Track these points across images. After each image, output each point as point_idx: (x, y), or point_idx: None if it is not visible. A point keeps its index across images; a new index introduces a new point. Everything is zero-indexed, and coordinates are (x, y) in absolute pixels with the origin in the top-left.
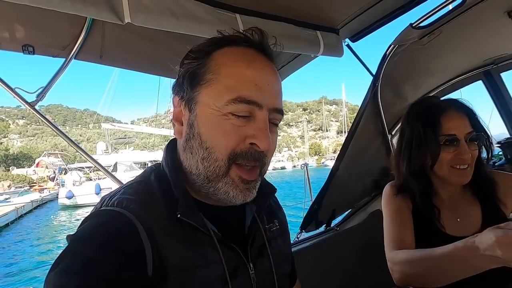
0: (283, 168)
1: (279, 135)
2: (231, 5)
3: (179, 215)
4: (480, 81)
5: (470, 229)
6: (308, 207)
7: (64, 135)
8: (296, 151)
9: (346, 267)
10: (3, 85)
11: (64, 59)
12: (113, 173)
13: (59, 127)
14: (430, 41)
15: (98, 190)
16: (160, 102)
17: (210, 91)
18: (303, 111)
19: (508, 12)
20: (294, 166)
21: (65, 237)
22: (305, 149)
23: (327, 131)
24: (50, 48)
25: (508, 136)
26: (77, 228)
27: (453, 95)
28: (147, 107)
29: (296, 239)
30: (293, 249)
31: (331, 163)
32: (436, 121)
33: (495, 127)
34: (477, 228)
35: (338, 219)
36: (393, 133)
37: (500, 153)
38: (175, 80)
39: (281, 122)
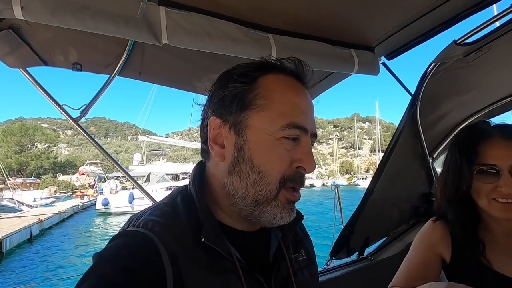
0: (312, 186)
1: None
2: (264, 25)
3: (203, 239)
4: None
5: None
6: (339, 232)
7: (101, 149)
8: (326, 169)
9: None
10: (52, 102)
11: (108, 76)
12: (146, 183)
13: (97, 141)
14: (477, 58)
15: (132, 198)
16: (194, 116)
17: (263, 116)
18: (334, 128)
19: None
20: (323, 184)
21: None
22: (335, 166)
23: (359, 149)
24: (96, 66)
25: None
26: (104, 246)
27: (503, 117)
28: (180, 120)
29: (325, 266)
30: (322, 278)
31: (362, 182)
32: (474, 147)
33: None
34: None
35: (372, 247)
36: (434, 156)
37: None
38: (208, 99)
39: None
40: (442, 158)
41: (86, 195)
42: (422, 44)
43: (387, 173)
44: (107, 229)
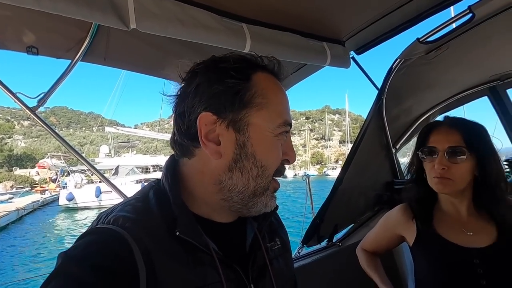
0: (284, 176)
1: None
2: (238, 14)
3: (178, 233)
4: (486, 97)
5: (482, 241)
6: (310, 221)
7: (63, 141)
8: (298, 160)
9: (349, 284)
10: (5, 90)
11: (69, 61)
12: (114, 176)
13: (60, 132)
14: (437, 56)
15: (99, 192)
16: (164, 107)
17: (263, 115)
18: (306, 120)
19: None
20: (295, 175)
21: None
22: (307, 157)
23: (329, 140)
24: (55, 50)
25: None
26: (71, 245)
27: (457, 111)
28: (150, 111)
29: (297, 254)
30: (294, 265)
31: (332, 173)
32: (427, 134)
33: (501, 144)
34: (492, 240)
35: (340, 234)
36: (397, 147)
37: (508, 170)
38: (193, 92)
39: None
40: (404, 148)
41: (47, 190)
42: (389, 41)
43: (355, 164)
44: (73, 225)
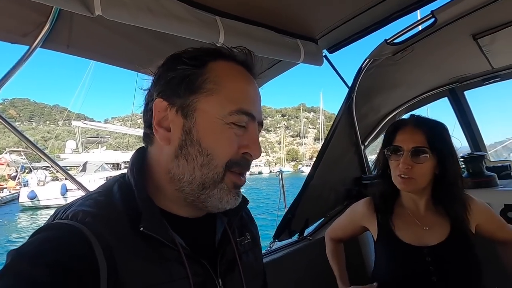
0: (260, 173)
1: None
2: (212, 7)
3: (142, 229)
4: (446, 98)
5: (434, 238)
6: (282, 216)
7: (20, 135)
8: (273, 157)
9: (319, 276)
10: None
11: (27, 47)
12: (82, 173)
13: (21, 126)
14: (402, 57)
15: (64, 190)
16: (137, 101)
17: (212, 100)
18: (282, 117)
19: (473, 35)
20: (271, 172)
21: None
22: (282, 154)
23: (304, 137)
24: (10, 34)
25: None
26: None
27: (421, 110)
28: (121, 105)
29: (268, 248)
30: (266, 259)
31: (306, 169)
32: (394, 133)
33: (459, 142)
34: (443, 236)
35: (311, 228)
36: (365, 144)
37: (463, 166)
38: (153, 82)
39: None
40: (372, 145)
41: (6, 187)
42: (359, 41)
43: (326, 160)
44: (33, 225)
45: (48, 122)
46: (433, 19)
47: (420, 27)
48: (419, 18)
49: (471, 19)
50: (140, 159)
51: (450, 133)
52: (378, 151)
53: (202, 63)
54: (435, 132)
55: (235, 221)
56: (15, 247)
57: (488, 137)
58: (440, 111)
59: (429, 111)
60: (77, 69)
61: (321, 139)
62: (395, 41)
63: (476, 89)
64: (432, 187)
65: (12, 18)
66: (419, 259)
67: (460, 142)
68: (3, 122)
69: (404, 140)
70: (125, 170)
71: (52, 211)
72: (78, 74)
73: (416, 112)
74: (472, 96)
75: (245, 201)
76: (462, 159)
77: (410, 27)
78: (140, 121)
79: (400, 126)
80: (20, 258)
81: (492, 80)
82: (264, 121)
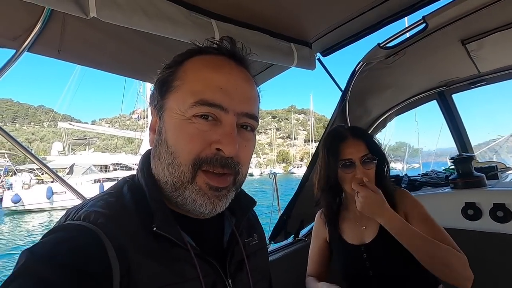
0: (250, 174)
1: None
2: (207, 10)
3: (155, 229)
4: (435, 101)
5: (369, 236)
6: (277, 218)
7: (7, 135)
8: (264, 158)
9: None
10: None
11: (14, 51)
12: (68, 175)
13: (3, 127)
14: (395, 61)
15: (50, 194)
16: (125, 102)
17: (176, 97)
18: (273, 119)
19: (461, 40)
20: (262, 173)
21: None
22: (273, 156)
23: (295, 139)
24: None
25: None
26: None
27: (408, 113)
28: (110, 106)
29: None
30: None
31: (297, 171)
32: (337, 148)
33: (446, 143)
34: (374, 235)
35: (306, 229)
36: None
37: (452, 167)
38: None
39: None
40: None
41: None
42: (353, 45)
43: None
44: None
45: (32, 123)
46: (424, 24)
47: (409, 33)
48: (408, 24)
49: (461, 25)
50: (149, 161)
51: (438, 134)
52: (318, 166)
53: (177, 63)
54: (370, 139)
55: (243, 222)
56: (28, 247)
57: (474, 138)
58: (428, 113)
59: (416, 114)
60: (64, 69)
61: (312, 140)
62: (387, 45)
63: (463, 93)
64: None
65: (0, 20)
66: (358, 257)
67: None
68: None
69: (352, 153)
70: (114, 173)
71: (37, 215)
72: (65, 74)
73: (405, 115)
74: (460, 99)
75: (252, 202)
76: (451, 160)
77: (402, 32)
78: (129, 122)
79: (341, 139)
80: (35, 259)
81: (479, 84)
82: None
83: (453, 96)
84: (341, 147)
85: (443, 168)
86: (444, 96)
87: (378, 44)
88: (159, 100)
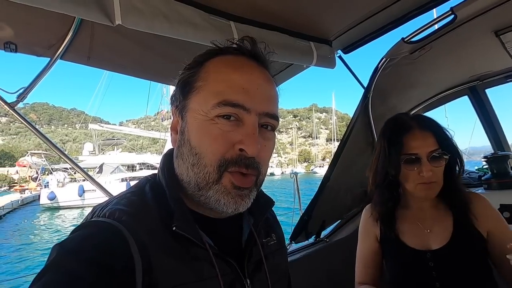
0: (272, 174)
1: None
2: (226, 12)
3: (174, 228)
4: (466, 97)
5: (436, 241)
6: (298, 218)
7: (44, 138)
8: (285, 158)
9: (336, 279)
10: None
11: (49, 59)
12: (98, 174)
13: (41, 129)
14: (420, 55)
15: (82, 191)
16: (151, 104)
17: (199, 98)
18: (294, 118)
19: (495, 32)
20: (283, 173)
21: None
22: (294, 155)
23: (316, 138)
24: (34, 47)
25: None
26: (65, 238)
27: (439, 110)
28: (135, 108)
29: None
30: None
31: (319, 170)
32: (400, 140)
33: (479, 141)
34: (446, 240)
35: (327, 230)
36: None
37: (486, 166)
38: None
39: None
40: None
41: (27, 189)
42: (375, 41)
43: (342, 161)
44: (58, 224)
45: (66, 125)
46: (452, 16)
47: (437, 25)
48: (435, 16)
49: (493, 15)
50: (170, 160)
51: (470, 131)
52: (375, 159)
53: (198, 64)
54: (442, 131)
55: (261, 222)
56: (58, 242)
57: (511, 136)
58: (458, 109)
59: (446, 111)
60: (93, 72)
61: (334, 139)
62: (412, 39)
63: (498, 87)
64: None
65: (37, 30)
66: (422, 264)
67: (454, 132)
68: (28, 125)
69: (418, 146)
70: (140, 172)
71: (70, 212)
72: (95, 77)
73: (433, 112)
74: (494, 94)
75: (270, 201)
76: (485, 159)
77: (428, 25)
78: (153, 123)
79: (406, 130)
80: (64, 253)
81: None
82: None
83: (487, 91)
84: (406, 139)
85: (476, 167)
86: (477, 91)
87: (402, 39)
88: (181, 100)
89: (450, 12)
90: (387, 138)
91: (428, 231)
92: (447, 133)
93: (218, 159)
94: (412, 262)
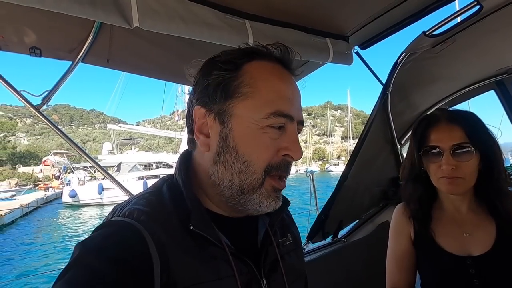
0: None
1: None
2: (241, 11)
3: (192, 227)
4: (492, 91)
5: (477, 247)
6: (315, 217)
7: (67, 138)
8: None
9: (354, 279)
10: (9, 88)
11: (71, 62)
12: (116, 173)
13: (63, 130)
14: (442, 49)
15: (101, 189)
16: (166, 104)
17: (248, 105)
18: (308, 116)
19: None
20: (297, 171)
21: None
22: (309, 154)
23: (331, 136)
24: (57, 51)
25: None
26: (87, 236)
27: (463, 105)
28: (151, 108)
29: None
30: None
31: (335, 168)
32: (425, 133)
33: (508, 137)
34: (489, 246)
35: (345, 230)
36: (402, 142)
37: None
38: (193, 88)
39: None
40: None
41: (50, 187)
42: (394, 36)
43: (360, 159)
44: (79, 221)
45: (86, 125)
46: (478, 7)
47: (460, 18)
48: (458, 8)
49: None
50: (187, 161)
51: (498, 127)
52: (407, 152)
53: (236, 66)
54: (474, 124)
55: (277, 222)
56: (81, 240)
57: None
58: (482, 105)
59: (470, 106)
60: (110, 73)
61: (349, 137)
62: (434, 32)
63: None
64: (475, 186)
65: (59, 34)
66: (462, 271)
67: (501, 132)
68: (52, 127)
69: (441, 139)
70: (157, 170)
71: (90, 209)
72: (112, 78)
73: (457, 107)
74: None
75: (286, 202)
76: None
77: (452, 17)
78: (169, 123)
79: (432, 123)
80: (86, 252)
81: None
82: None
83: None
84: (430, 132)
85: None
86: (504, 85)
87: (423, 32)
88: (218, 103)
89: (476, 3)
90: (414, 132)
91: (467, 235)
92: (484, 128)
93: (265, 166)
94: (451, 268)
